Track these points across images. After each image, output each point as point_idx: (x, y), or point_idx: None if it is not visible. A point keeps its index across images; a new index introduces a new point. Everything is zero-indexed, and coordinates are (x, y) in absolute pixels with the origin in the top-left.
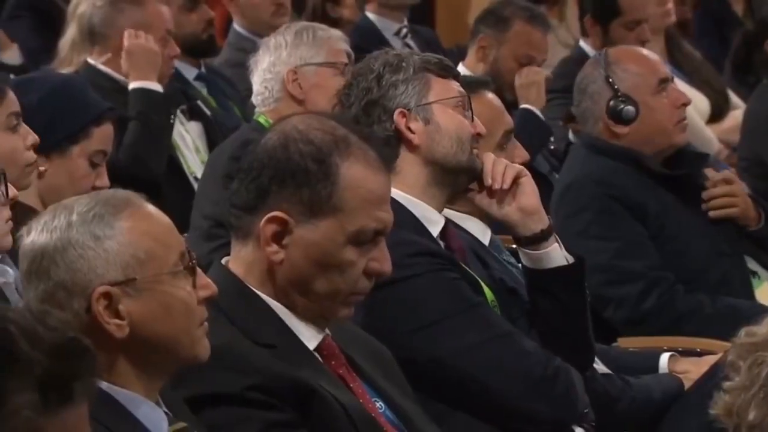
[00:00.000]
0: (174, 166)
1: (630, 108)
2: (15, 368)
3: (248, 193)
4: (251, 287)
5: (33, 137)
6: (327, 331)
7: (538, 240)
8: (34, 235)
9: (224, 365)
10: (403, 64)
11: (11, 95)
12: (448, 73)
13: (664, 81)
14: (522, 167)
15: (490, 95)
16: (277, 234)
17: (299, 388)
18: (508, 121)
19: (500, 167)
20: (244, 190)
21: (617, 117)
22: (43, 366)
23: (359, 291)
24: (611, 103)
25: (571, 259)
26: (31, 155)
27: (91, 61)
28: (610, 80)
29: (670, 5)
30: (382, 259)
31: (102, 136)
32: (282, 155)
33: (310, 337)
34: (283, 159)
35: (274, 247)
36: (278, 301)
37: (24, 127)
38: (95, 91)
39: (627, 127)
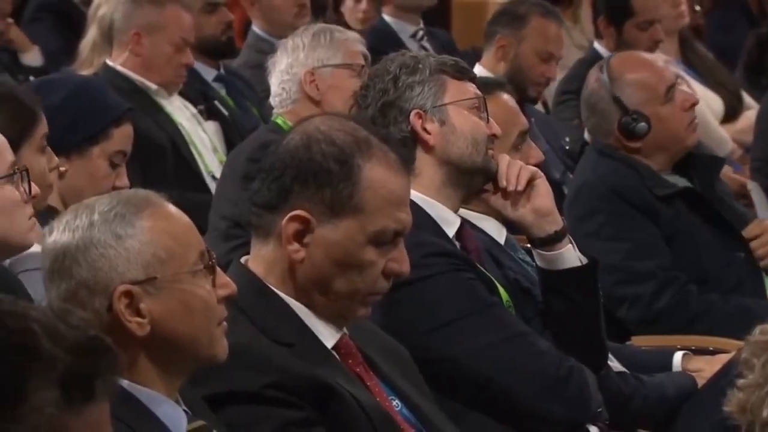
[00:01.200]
0: (189, 166)
1: (642, 125)
2: (37, 366)
3: (270, 193)
4: (270, 286)
5: (55, 160)
6: (345, 330)
7: (552, 241)
8: (57, 235)
9: (243, 364)
10: (420, 66)
11: (44, 118)
12: (463, 74)
13: (671, 87)
14: (536, 169)
15: (505, 96)
16: (298, 233)
17: (318, 387)
18: (523, 122)
19: (515, 169)
20: (265, 189)
21: (630, 134)
22: (65, 363)
23: (377, 291)
24: (623, 120)
25: (584, 260)
26: (53, 176)
27: (109, 62)
28: (618, 99)
29: (684, 7)
30: (400, 260)
31: (122, 136)
32: (305, 155)
33: (328, 336)
34: (306, 159)
35: (296, 245)
36: (297, 300)
37: (49, 150)
38: (114, 92)
39: (640, 141)
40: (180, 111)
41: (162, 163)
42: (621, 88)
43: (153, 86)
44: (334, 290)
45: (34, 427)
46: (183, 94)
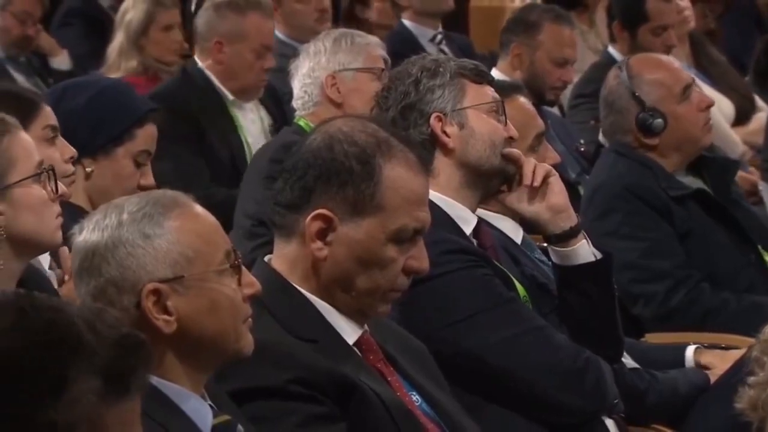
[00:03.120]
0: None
1: (659, 121)
2: (81, 356)
3: (293, 192)
4: (293, 284)
5: (70, 150)
6: (365, 326)
7: (566, 237)
8: (86, 234)
9: (267, 360)
10: (440, 70)
11: (47, 109)
12: (483, 78)
13: (688, 87)
14: (551, 167)
15: (522, 99)
16: (321, 231)
17: (340, 383)
18: (540, 124)
19: (530, 166)
20: (288, 189)
21: (647, 130)
22: (105, 357)
23: (398, 288)
24: (640, 116)
25: (599, 255)
26: (69, 167)
27: (197, 60)
28: (636, 95)
29: (689, 12)
30: (420, 258)
31: (146, 136)
32: (327, 155)
33: (350, 333)
34: (329, 159)
35: (319, 243)
36: (320, 297)
37: (61, 140)
38: (192, 90)
39: (657, 138)
40: (252, 124)
41: (218, 179)
42: (639, 86)
43: (230, 96)
44: (356, 287)
45: (75, 415)
46: (266, 106)
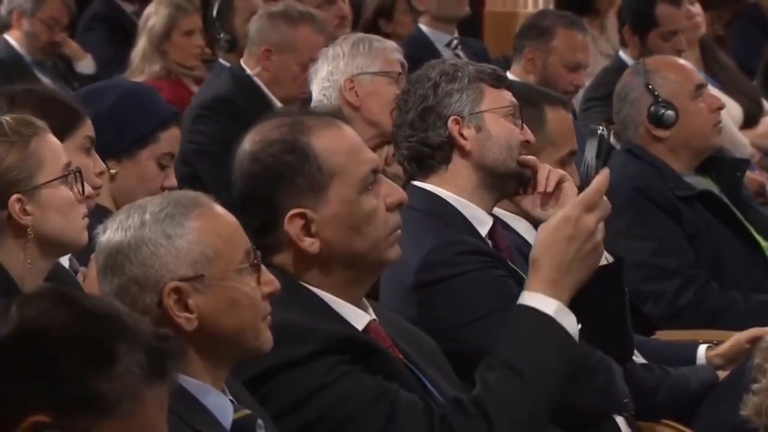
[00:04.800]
0: None
1: (670, 113)
2: (127, 334)
3: (258, 217)
4: (300, 282)
5: (101, 165)
6: (372, 315)
7: None
8: (110, 233)
9: (286, 337)
10: (459, 74)
11: (89, 121)
12: (500, 83)
13: (700, 87)
14: (564, 173)
15: (565, 112)
16: (303, 228)
17: (360, 344)
18: (575, 143)
19: (544, 172)
20: (252, 218)
21: (658, 121)
22: (146, 337)
23: (394, 227)
24: (652, 108)
25: (610, 259)
26: (98, 181)
27: (243, 64)
28: (650, 87)
29: (699, 18)
30: (393, 191)
31: (169, 139)
32: (259, 168)
33: (356, 319)
34: (262, 170)
35: (308, 240)
36: (325, 290)
37: (95, 155)
38: (244, 95)
39: (668, 130)
40: None
41: None
42: (654, 79)
43: (277, 102)
44: (360, 253)
45: (122, 388)
46: None
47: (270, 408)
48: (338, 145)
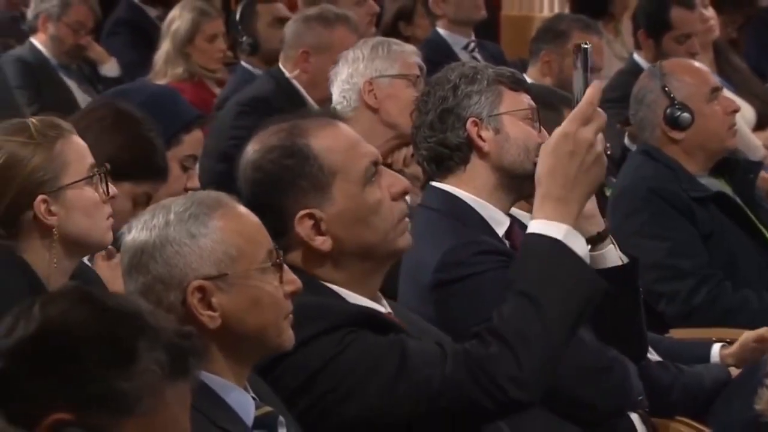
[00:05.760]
0: None
1: (686, 115)
2: (148, 332)
3: (269, 224)
4: (319, 280)
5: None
6: (388, 309)
7: (595, 242)
8: (135, 233)
9: (300, 318)
10: (478, 77)
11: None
12: (519, 86)
13: (716, 90)
14: None
15: None
16: (313, 227)
17: (374, 318)
18: None
19: None
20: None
21: (674, 123)
22: (167, 336)
23: (402, 216)
24: (668, 110)
25: (625, 259)
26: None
27: (282, 67)
28: (666, 89)
29: (713, 22)
30: (396, 181)
31: (192, 141)
32: (262, 175)
33: None
34: (265, 177)
35: (319, 239)
36: (341, 286)
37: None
38: (283, 97)
39: (683, 132)
40: None
41: None
42: (670, 82)
43: (314, 104)
44: (371, 244)
45: (143, 386)
46: None
47: (282, 389)
48: (336, 143)
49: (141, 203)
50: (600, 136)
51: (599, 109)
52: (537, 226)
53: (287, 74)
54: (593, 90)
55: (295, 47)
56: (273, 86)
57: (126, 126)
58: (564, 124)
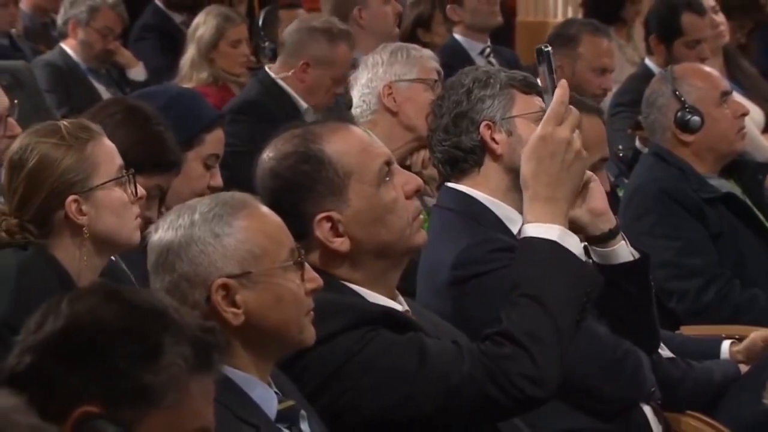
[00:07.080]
0: None
1: (696, 118)
2: (173, 327)
3: (289, 227)
4: (338, 280)
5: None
6: (406, 307)
7: (606, 238)
8: (161, 233)
9: (322, 315)
10: (491, 81)
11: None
12: (531, 89)
13: (726, 94)
14: (591, 173)
15: (598, 120)
16: (331, 229)
17: (394, 316)
18: (606, 150)
19: None
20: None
21: (684, 126)
22: (192, 331)
23: (416, 213)
24: (679, 114)
25: (637, 255)
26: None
27: (269, 71)
28: (677, 93)
29: (723, 27)
30: (409, 179)
31: (214, 140)
32: (280, 182)
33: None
34: (283, 184)
35: (337, 240)
36: (360, 285)
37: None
38: (272, 99)
39: (693, 135)
40: None
41: None
42: (681, 86)
43: (305, 105)
44: (388, 242)
45: (168, 380)
46: None
47: (304, 385)
48: (349, 146)
49: (154, 196)
50: (577, 132)
51: (571, 107)
52: (532, 229)
53: (273, 75)
54: (562, 90)
55: (297, 56)
56: (261, 89)
57: (136, 121)
58: (540, 127)
